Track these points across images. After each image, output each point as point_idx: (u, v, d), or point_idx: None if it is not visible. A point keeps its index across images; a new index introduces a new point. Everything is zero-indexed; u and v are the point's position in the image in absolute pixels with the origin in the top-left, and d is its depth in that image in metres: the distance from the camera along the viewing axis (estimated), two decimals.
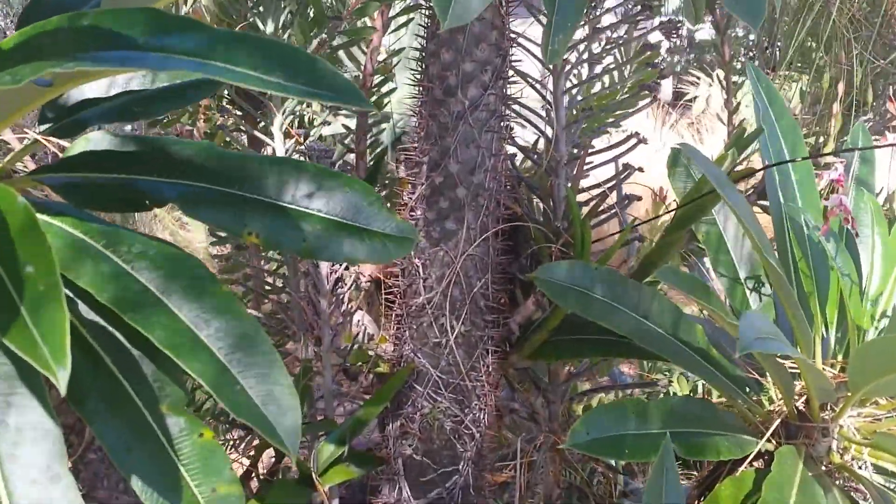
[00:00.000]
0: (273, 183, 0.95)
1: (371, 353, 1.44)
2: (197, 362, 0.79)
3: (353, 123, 1.74)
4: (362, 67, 1.67)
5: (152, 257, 0.85)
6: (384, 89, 1.86)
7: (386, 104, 1.96)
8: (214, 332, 0.82)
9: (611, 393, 1.65)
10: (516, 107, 1.39)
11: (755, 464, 1.28)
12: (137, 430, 0.86)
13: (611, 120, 1.49)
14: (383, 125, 1.87)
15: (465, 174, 1.26)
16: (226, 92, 1.71)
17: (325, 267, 1.26)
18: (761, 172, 1.38)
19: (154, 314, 0.81)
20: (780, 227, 1.36)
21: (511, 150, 1.47)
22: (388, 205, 1.04)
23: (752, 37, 4.51)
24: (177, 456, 0.86)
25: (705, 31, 6.07)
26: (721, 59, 2.17)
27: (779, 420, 1.22)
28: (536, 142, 1.55)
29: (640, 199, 1.48)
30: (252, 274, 1.67)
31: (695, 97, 6.15)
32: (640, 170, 1.49)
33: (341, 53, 2.02)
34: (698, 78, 6.19)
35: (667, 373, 2.48)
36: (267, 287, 1.58)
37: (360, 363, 1.44)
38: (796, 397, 1.28)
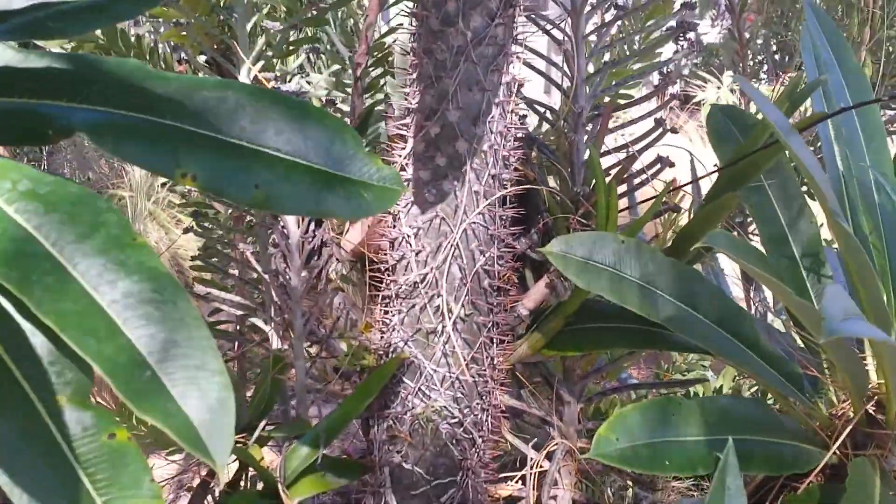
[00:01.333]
0: (220, 113, 0.74)
1: (354, 342, 1.22)
2: (92, 338, 0.57)
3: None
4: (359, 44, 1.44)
5: (44, 197, 0.63)
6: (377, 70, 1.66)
7: (382, 85, 1.75)
8: (121, 298, 0.59)
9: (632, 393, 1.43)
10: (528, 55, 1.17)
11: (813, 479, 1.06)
12: (25, 428, 0.64)
13: (637, 66, 1.27)
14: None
15: (466, 124, 1.04)
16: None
17: (295, 234, 1.03)
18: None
19: (37, 271, 0.59)
20: (839, 194, 1.13)
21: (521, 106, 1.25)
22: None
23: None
24: (78, 462, 0.63)
25: (713, 35, 5.99)
26: (737, 54, 1.99)
27: (849, 427, 0.99)
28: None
29: (673, 165, 1.25)
30: (237, 258, 1.43)
31: (703, 100, 5.96)
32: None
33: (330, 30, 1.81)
34: (706, 81, 6.00)
35: (685, 374, 2.25)
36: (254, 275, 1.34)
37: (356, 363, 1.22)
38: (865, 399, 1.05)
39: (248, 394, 1.28)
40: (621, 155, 1.27)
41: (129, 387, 0.56)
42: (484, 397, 1.16)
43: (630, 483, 1.29)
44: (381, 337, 1.15)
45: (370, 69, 1.66)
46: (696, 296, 1.07)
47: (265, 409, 1.13)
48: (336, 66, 1.84)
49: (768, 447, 0.94)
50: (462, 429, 1.15)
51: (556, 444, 1.29)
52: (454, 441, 1.15)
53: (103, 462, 0.63)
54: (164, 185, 4.17)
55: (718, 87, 5.86)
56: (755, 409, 0.99)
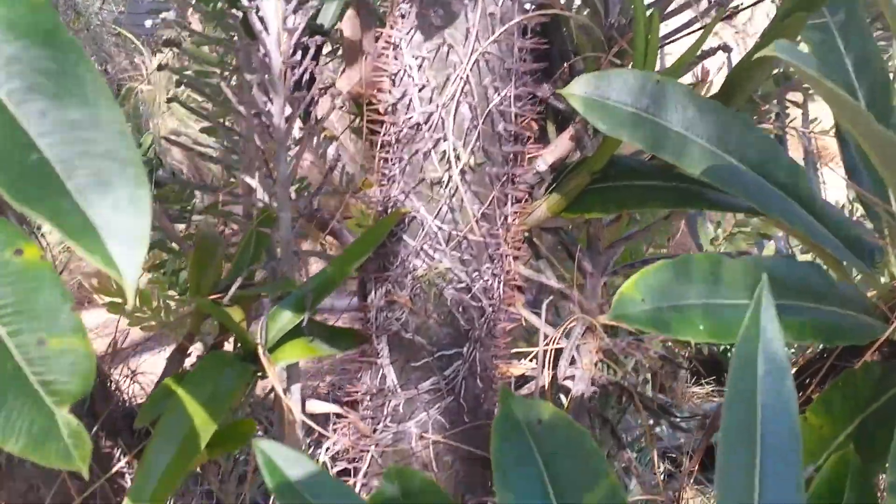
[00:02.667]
0: None
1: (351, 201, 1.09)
2: None
3: None
4: None
5: None
6: None
7: None
8: (4, 65, 0.46)
9: None
10: None
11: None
12: None
13: None
14: None
15: None
16: None
17: (277, 61, 0.88)
18: None
19: None
20: None
21: None
22: None
23: None
24: None
25: None
26: None
27: None
28: None
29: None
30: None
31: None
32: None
33: None
34: None
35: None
36: None
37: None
38: None
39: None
40: None
41: (8, 175, 0.43)
42: (495, 261, 1.03)
43: (653, 362, 1.16)
44: (380, 190, 1.01)
45: None
46: (742, 146, 0.91)
47: (249, 266, 1.00)
48: None
49: (822, 315, 0.80)
50: (470, 295, 1.02)
51: (576, 319, 1.16)
52: (461, 309, 1.02)
53: (6, 285, 0.51)
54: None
55: None
56: (809, 272, 0.84)
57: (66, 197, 0.43)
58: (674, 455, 1.89)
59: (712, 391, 2.80)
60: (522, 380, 1.19)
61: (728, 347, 2.38)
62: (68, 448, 0.50)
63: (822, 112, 1.99)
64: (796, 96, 1.85)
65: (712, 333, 0.71)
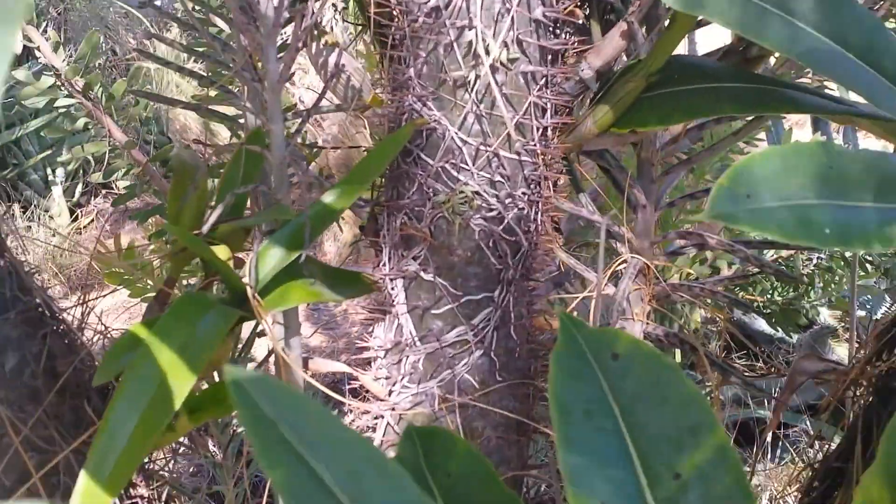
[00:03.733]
0: None
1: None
2: None
3: None
4: None
5: None
6: None
7: None
8: None
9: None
10: None
11: None
12: None
13: None
14: None
15: None
16: None
17: None
18: None
19: None
20: None
21: None
22: None
23: None
24: None
25: None
26: None
27: None
28: None
29: None
30: None
31: None
32: None
33: None
34: None
35: None
36: None
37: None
38: None
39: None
40: None
41: None
42: (532, 185, 0.85)
43: (721, 310, 0.98)
44: (392, 97, 0.83)
45: None
46: (844, 26, 0.73)
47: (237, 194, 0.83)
48: None
49: None
50: (502, 226, 0.84)
51: (626, 261, 0.98)
52: (491, 243, 0.85)
53: None
54: (190, 58, 3.86)
55: None
56: None
57: None
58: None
59: (744, 367, 2.62)
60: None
61: (774, 321, 2.20)
62: None
63: None
64: None
65: (841, 239, 0.53)
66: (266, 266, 0.79)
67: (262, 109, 0.80)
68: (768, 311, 1.80)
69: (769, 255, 1.86)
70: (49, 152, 3.98)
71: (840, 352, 2.54)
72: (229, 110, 1.09)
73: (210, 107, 1.00)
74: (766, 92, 0.81)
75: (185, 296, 0.74)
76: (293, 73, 0.82)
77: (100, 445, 0.70)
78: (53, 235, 4.00)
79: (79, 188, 4.27)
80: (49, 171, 4.20)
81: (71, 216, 4.15)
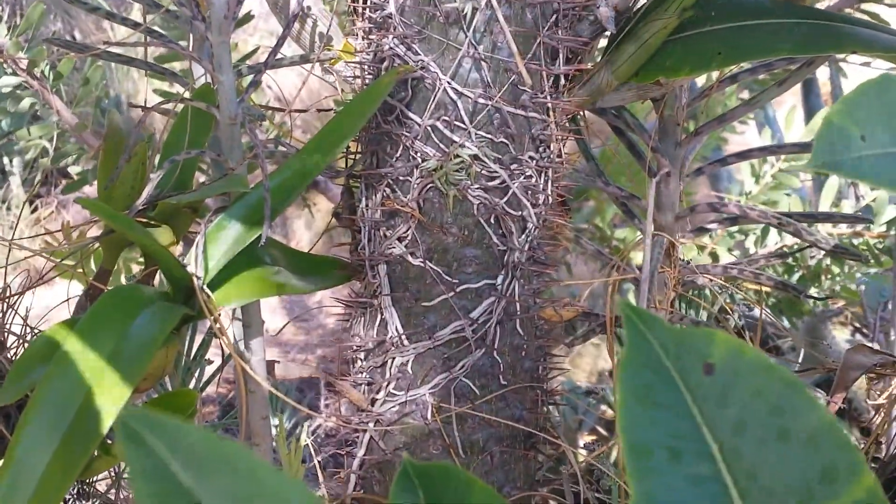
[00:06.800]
0: None
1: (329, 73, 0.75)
2: None
3: None
4: None
5: None
6: None
7: None
8: None
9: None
10: None
11: None
12: None
13: None
14: None
15: None
16: None
17: None
18: None
19: None
20: None
21: None
22: None
23: None
24: None
25: None
26: None
27: None
28: None
29: None
30: None
31: None
32: None
33: None
34: None
35: None
36: None
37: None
38: None
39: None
40: None
41: None
42: (541, 147, 0.70)
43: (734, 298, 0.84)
44: (367, 42, 0.68)
45: None
46: None
47: (188, 160, 0.67)
48: None
49: None
50: (506, 198, 0.69)
51: (648, 235, 0.83)
52: (493, 219, 0.69)
53: None
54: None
55: None
56: None
57: None
58: None
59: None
60: (577, 321, 0.86)
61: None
62: None
63: None
64: None
65: None
66: (217, 251, 0.63)
67: (210, 59, 0.64)
68: (773, 300, 1.67)
69: (773, 241, 1.71)
70: (3, 141, 3.78)
71: (839, 336, 2.43)
72: (181, 66, 0.93)
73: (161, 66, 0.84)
74: (824, 29, 0.67)
75: (113, 290, 0.58)
76: (249, 15, 0.66)
77: (3, 487, 0.54)
78: (12, 228, 3.80)
79: (37, 177, 4.06)
80: (7, 160, 4.00)
81: (31, 206, 3.95)
